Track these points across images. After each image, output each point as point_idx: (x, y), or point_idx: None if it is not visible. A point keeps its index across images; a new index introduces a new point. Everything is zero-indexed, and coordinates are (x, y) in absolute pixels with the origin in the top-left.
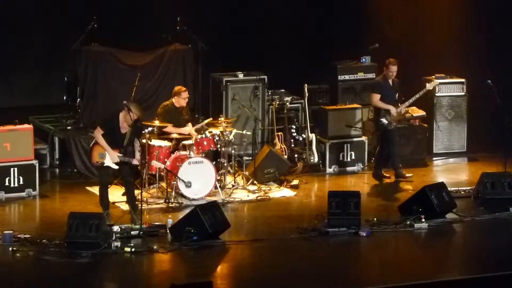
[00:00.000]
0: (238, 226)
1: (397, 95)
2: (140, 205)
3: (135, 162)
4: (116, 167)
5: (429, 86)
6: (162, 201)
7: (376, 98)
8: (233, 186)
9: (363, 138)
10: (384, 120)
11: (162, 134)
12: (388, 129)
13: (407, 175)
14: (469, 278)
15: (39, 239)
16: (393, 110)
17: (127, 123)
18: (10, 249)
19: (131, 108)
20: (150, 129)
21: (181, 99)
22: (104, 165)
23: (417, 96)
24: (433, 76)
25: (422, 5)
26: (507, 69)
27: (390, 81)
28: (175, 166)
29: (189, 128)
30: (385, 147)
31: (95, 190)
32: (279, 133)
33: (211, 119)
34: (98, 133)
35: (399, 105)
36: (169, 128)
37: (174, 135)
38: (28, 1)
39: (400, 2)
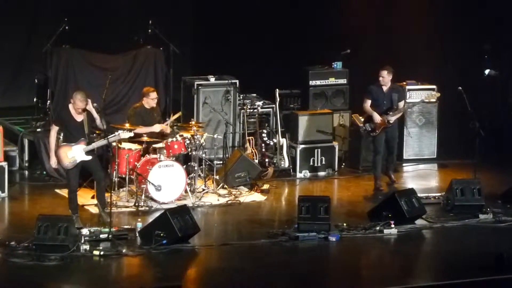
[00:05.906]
0: (208, 230)
1: (396, 103)
2: (109, 208)
3: (97, 121)
4: (89, 157)
5: (425, 99)
6: (132, 204)
7: (365, 103)
8: (203, 190)
9: (334, 143)
10: (366, 126)
11: (133, 137)
12: (371, 135)
13: (381, 188)
14: (438, 284)
15: (7, 241)
16: (376, 117)
17: (77, 112)
18: None
19: (77, 96)
20: (131, 134)
21: (150, 100)
22: (77, 161)
23: (410, 106)
24: (405, 83)
25: (395, 12)
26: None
27: (385, 88)
28: (145, 170)
29: (158, 125)
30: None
31: (64, 192)
32: (250, 137)
33: (180, 113)
34: (53, 131)
35: (389, 113)
36: (139, 129)
37: (145, 138)
38: None
39: (372, 8)
